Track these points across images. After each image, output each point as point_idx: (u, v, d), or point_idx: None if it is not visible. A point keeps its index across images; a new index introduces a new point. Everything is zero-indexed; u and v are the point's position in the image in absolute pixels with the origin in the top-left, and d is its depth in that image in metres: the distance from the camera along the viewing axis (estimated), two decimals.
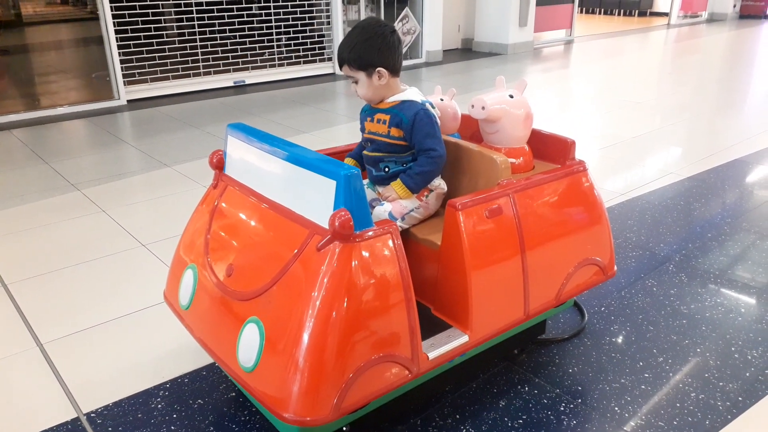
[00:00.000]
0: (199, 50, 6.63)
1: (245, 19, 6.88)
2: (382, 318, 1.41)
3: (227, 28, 6.77)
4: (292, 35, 7.32)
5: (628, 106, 5.88)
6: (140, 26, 6.13)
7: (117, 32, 5.93)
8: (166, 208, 3.42)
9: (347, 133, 4.90)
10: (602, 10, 17.19)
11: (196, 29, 6.56)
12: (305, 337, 1.32)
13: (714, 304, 2.42)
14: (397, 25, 8.04)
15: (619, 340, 2.19)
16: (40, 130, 5.18)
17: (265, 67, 7.16)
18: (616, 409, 1.84)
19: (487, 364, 2.02)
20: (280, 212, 1.53)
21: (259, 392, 1.39)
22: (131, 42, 6.09)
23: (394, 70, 1.79)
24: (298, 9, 7.27)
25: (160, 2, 6.25)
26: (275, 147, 1.56)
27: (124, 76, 6.07)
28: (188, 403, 1.86)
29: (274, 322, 1.40)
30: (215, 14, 6.64)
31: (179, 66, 6.50)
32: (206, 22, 6.60)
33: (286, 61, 7.35)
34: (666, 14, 14.57)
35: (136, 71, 6.20)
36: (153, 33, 6.23)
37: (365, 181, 1.86)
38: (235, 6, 6.74)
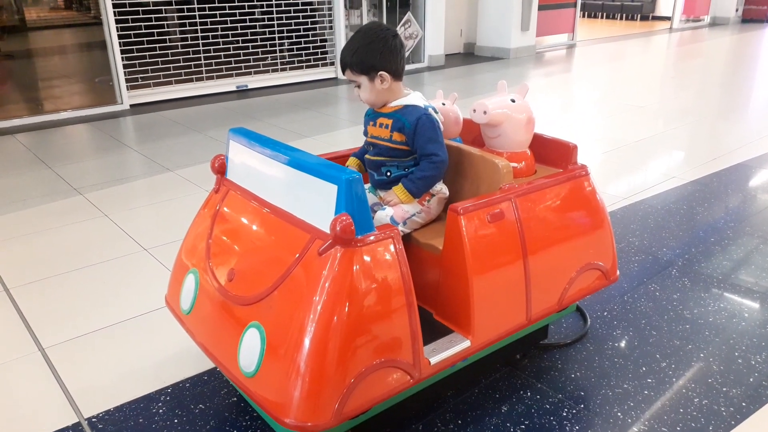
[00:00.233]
0: (201, 55, 6.65)
1: (248, 23, 6.90)
2: (383, 323, 1.40)
3: (230, 32, 6.79)
4: (294, 40, 7.34)
5: (630, 110, 5.88)
6: (143, 31, 6.15)
7: (120, 37, 5.96)
8: (169, 212, 3.42)
9: (349, 138, 4.90)
10: (604, 14, 17.22)
11: (199, 34, 6.58)
12: (306, 342, 1.32)
13: (717, 308, 2.41)
14: (400, 30, 8.05)
15: (622, 344, 2.18)
16: (43, 134, 5.20)
17: (267, 71, 7.18)
18: (619, 414, 1.83)
19: (489, 369, 2.02)
20: (281, 217, 1.53)
21: (260, 397, 1.39)
22: (134, 47, 6.11)
23: (397, 74, 1.79)
24: (300, 14, 7.30)
25: (163, 7, 6.27)
26: (276, 151, 1.56)
27: (127, 80, 6.09)
28: (189, 408, 1.86)
29: (276, 327, 1.39)
30: (218, 19, 6.66)
31: (182, 70, 6.52)
32: (209, 26, 6.63)
33: (288, 66, 7.37)
34: (668, 18, 14.58)
35: (139, 76, 6.21)
36: (156, 38, 6.25)
37: (367, 186, 1.86)
38: (237, 11, 6.76)
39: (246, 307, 1.48)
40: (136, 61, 6.16)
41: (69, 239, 3.07)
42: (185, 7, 6.44)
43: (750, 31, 13.06)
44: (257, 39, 7.03)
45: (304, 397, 1.32)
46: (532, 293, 1.74)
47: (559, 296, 1.83)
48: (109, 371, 2.04)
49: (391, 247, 1.43)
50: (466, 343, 1.61)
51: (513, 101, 1.94)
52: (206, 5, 6.53)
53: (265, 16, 7.03)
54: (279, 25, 7.15)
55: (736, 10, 14.74)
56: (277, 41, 7.19)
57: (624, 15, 16.80)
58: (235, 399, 1.90)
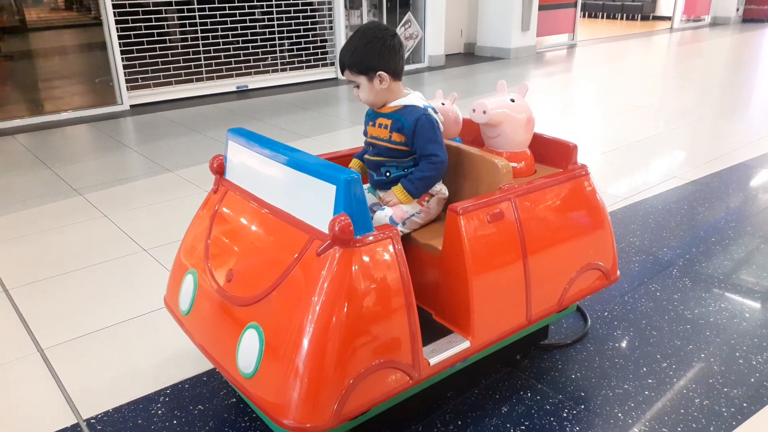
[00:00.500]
0: (201, 55, 6.65)
1: (248, 24, 6.90)
2: (382, 323, 1.40)
3: (230, 33, 6.79)
4: (294, 40, 7.34)
5: (631, 110, 5.87)
6: (143, 31, 6.15)
7: (120, 37, 5.96)
8: (168, 213, 3.42)
9: (350, 138, 4.90)
10: (605, 14, 17.21)
11: (199, 34, 6.58)
12: (305, 343, 1.32)
13: (718, 308, 2.40)
14: (400, 30, 8.05)
15: (623, 345, 2.17)
16: (43, 135, 5.20)
17: (267, 72, 7.18)
18: (620, 415, 1.82)
19: (489, 370, 2.01)
20: (280, 217, 1.52)
21: (258, 398, 1.39)
22: (134, 47, 6.11)
23: (396, 74, 1.78)
24: (300, 14, 7.29)
25: (163, 8, 6.27)
26: (275, 151, 1.56)
27: (127, 81, 6.09)
28: (188, 409, 1.85)
29: (274, 328, 1.39)
30: (218, 19, 6.66)
31: (182, 71, 6.52)
32: (209, 27, 6.63)
33: (288, 66, 7.37)
34: (669, 18, 14.57)
35: (139, 76, 6.21)
36: (156, 38, 6.25)
37: (366, 186, 1.85)
38: (237, 11, 6.76)
39: (244, 307, 1.47)
40: (136, 62, 6.16)
41: (68, 240, 3.07)
42: (185, 7, 6.43)
43: (751, 30, 13.05)
44: (257, 39, 7.02)
45: (302, 398, 1.32)
46: (532, 293, 1.73)
47: (559, 296, 1.82)
48: (108, 372, 2.04)
49: (390, 248, 1.42)
50: (466, 344, 1.60)
51: (512, 101, 1.93)
52: (206, 5, 6.52)
53: (266, 17, 7.02)
54: (279, 26, 7.15)
55: (737, 10, 14.72)
56: (277, 41, 7.19)
57: (624, 15, 16.80)
58: (234, 400, 1.89)
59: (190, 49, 6.57)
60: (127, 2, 5.96)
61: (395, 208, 1.80)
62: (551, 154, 2.01)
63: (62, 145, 4.96)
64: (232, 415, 1.83)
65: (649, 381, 1.97)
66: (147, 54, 6.22)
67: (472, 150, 1.88)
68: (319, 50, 7.57)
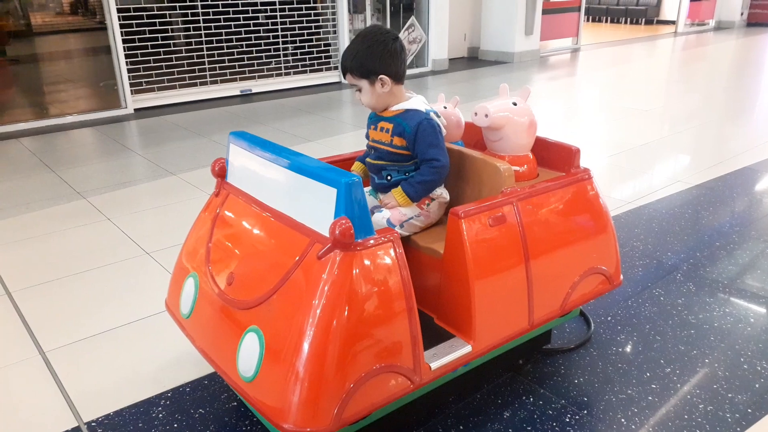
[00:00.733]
0: (205, 59, 6.67)
1: (252, 28, 6.92)
2: (383, 327, 1.39)
3: (234, 37, 6.81)
4: (298, 44, 7.36)
5: (635, 114, 5.86)
6: (147, 36, 6.18)
7: (124, 42, 5.98)
8: (171, 216, 3.42)
9: (353, 141, 4.90)
10: (609, 18, 17.20)
11: (203, 38, 6.60)
12: (305, 347, 1.31)
13: (723, 313, 2.39)
14: (403, 34, 8.06)
15: (626, 350, 2.16)
16: (47, 138, 5.22)
17: (271, 76, 7.20)
18: (623, 420, 1.81)
19: (492, 375, 2.00)
20: (281, 220, 1.52)
21: (258, 402, 1.38)
22: (138, 51, 6.14)
23: (397, 78, 1.78)
24: (304, 18, 7.31)
25: (167, 12, 6.30)
26: (276, 155, 1.55)
27: (131, 85, 6.11)
28: (189, 413, 1.85)
29: (275, 331, 1.38)
30: (222, 23, 6.68)
31: (186, 75, 6.54)
32: (213, 31, 6.65)
33: (292, 70, 7.39)
34: (673, 22, 14.56)
35: (143, 80, 6.24)
36: (160, 42, 6.27)
37: (367, 189, 1.85)
38: (241, 15, 6.78)
39: (245, 311, 1.47)
40: (140, 66, 6.19)
41: (72, 243, 3.07)
42: (189, 11, 6.46)
43: (755, 34, 13.02)
44: (261, 43, 7.05)
45: (303, 402, 1.31)
46: (534, 298, 1.72)
47: (561, 301, 1.81)
48: (110, 375, 2.04)
49: (391, 251, 1.42)
50: (468, 348, 1.59)
51: (515, 104, 1.93)
52: (210, 10, 6.55)
53: (269, 21, 7.05)
54: (283, 30, 7.17)
55: (741, 14, 14.70)
56: (281, 45, 7.21)
57: (628, 19, 16.78)
58: (235, 404, 1.88)
59: (194, 53, 6.59)
60: (131, 6, 5.98)
61: (393, 211, 1.80)
62: (554, 157, 2.00)
63: (66, 148, 4.97)
64: (233, 418, 1.82)
65: (653, 386, 1.96)
66: (151, 58, 6.24)
67: (474, 153, 1.88)
68: (323, 54, 7.59)
